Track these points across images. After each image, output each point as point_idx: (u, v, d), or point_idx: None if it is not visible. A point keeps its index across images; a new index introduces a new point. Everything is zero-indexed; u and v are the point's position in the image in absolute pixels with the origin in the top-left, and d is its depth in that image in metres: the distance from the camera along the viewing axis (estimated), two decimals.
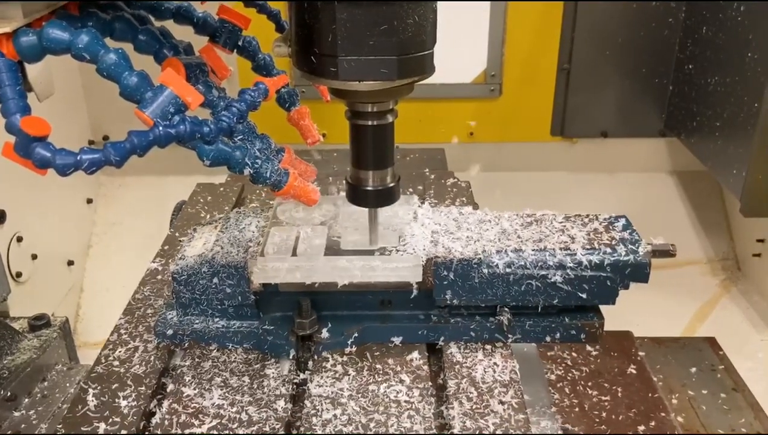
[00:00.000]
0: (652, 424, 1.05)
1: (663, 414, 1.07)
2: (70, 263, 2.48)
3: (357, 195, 1.12)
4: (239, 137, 1.02)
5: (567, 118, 2.64)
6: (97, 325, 2.46)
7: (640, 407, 1.08)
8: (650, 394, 1.11)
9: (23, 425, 1.29)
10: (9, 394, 1.33)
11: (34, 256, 2.18)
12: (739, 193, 1.99)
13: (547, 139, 2.71)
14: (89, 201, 2.68)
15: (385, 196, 1.12)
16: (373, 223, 1.16)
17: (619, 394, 1.11)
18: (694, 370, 1.31)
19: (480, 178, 2.76)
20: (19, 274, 2.08)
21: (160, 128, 0.81)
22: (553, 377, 1.14)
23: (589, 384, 1.13)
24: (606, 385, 1.13)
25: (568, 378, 1.14)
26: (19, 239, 2.10)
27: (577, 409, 1.08)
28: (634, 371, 1.16)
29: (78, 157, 0.79)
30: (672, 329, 2.32)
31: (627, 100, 2.61)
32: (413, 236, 1.19)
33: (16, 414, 1.32)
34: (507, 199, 2.73)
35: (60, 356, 1.52)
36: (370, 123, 1.05)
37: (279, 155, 1.08)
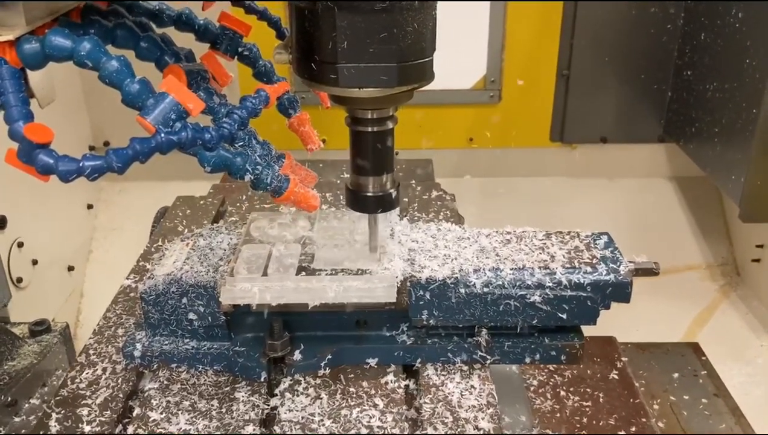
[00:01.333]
0: (633, 429, 1.05)
1: (644, 419, 1.07)
2: (71, 269, 2.48)
3: (356, 201, 1.12)
4: (240, 144, 1.03)
5: (566, 123, 2.65)
6: None
7: (621, 413, 1.08)
8: (632, 400, 1.11)
9: (23, 430, 1.29)
10: (9, 399, 1.33)
11: (35, 262, 2.19)
12: (738, 198, 2.00)
13: (547, 144, 2.72)
14: (90, 206, 2.68)
15: (385, 202, 1.12)
16: (373, 229, 1.16)
17: (601, 400, 1.10)
18: (676, 375, 1.31)
19: (479, 183, 2.77)
20: (19, 280, 2.09)
21: (162, 135, 0.82)
22: (534, 383, 1.14)
23: (571, 389, 1.12)
24: (588, 390, 1.12)
25: (550, 383, 1.13)
26: (20, 245, 2.10)
27: (558, 415, 1.07)
28: (616, 377, 1.16)
29: (80, 164, 0.80)
30: (671, 335, 2.32)
31: (626, 105, 2.61)
32: (389, 255, 1.16)
33: (17, 419, 1.32)
34: (507, 205, 2.74)
35: (60, 362, 1.53)
36: (370, 129, 1.05)
37: (279, 161, 1.09)
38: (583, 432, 1.04)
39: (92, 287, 2.57)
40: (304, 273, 1.13)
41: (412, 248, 1.19)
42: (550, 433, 1.04)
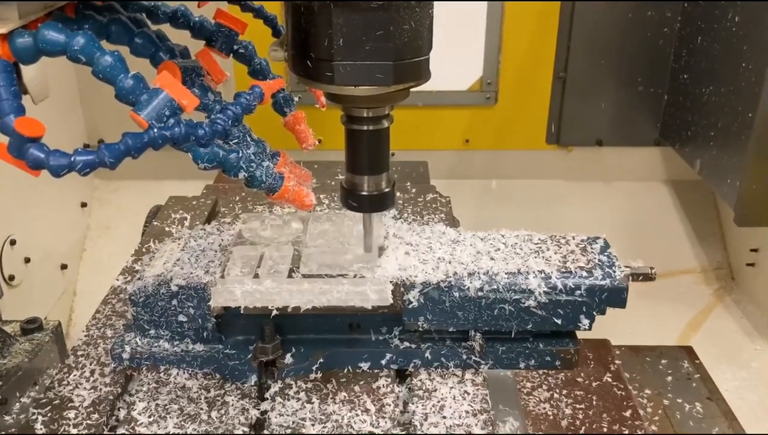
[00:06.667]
0: (626, 432, 1.05)
1: (637, 422, 1.07)
2: (64, 267, 2.47)
3: (352, 200, 1.12)
4: (234, 141, 1.02)
5: (562, 126, 2.65)
6: None
7: (615, 415, 1.08)
8: (625, 402, 1.11)
9: (13, 429, 1.28)
10: (0, 397, 1.32)
11: (28, 260, 2.18)
12: (733, 202, 2.00)
13: (543, 147, 2.71)
14: (83, 204, 2.67)
15: (380, 201, 1.11)
16: (369, 228, 1.16)
17: (594, 402, 1.10)
18: (669, 378, 1.30)
19: (475, 185, 2.76)
20: (11, 278, 2.08)
21: (155, 130, 0.81)
22: (528, 386, 1.13)
23: (564, 392, 1.12)
24: (581, 392, 1.12)
25: (543, 386, 1.13)
26: (13, 242, 2.09)
27: (551, 417, 1.07)
28: (609, 379, 1.15)
29: (72, 159, 0.79)
30: (665, 338, 2.32)
31: (622, 109, 2.62)
32: (383, 258, 1.15)
33: (7, 418, 1.31)
34: (502, 207, 2.73)
35: (52, 360, 1.51)
36: (365, 128, 1.04)
37: (274, 159, 1.08)
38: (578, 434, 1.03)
39: (85, 286, 2.55)
40: (296, 276, 1.11)
41: (407, 251, 1.18)
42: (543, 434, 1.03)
